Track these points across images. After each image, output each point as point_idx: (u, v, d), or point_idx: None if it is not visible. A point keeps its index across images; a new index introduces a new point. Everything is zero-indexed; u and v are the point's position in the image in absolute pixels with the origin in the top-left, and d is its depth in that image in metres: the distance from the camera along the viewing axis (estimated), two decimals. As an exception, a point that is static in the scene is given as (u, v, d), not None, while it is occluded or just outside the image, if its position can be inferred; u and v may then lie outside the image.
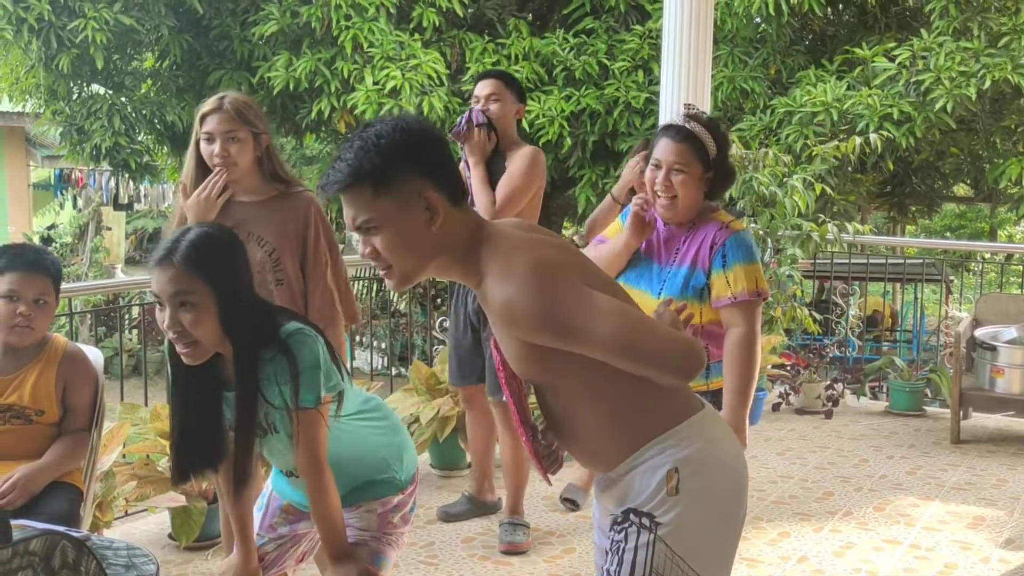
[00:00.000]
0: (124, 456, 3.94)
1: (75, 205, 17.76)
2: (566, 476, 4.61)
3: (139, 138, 9.53)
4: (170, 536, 3.93)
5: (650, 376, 1.77)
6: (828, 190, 6.92)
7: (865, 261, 8.33)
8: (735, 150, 5.66)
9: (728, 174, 2.87)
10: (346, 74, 8.26)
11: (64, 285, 3.11)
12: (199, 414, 2.21)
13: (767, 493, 4.60)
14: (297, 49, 8.51)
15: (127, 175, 10.00)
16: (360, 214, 1.74)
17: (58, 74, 8.77)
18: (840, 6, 9.14)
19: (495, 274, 1.74)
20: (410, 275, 1.79)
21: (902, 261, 9.21)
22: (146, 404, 4.46)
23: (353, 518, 2.31)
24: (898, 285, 11.80)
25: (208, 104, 2.95)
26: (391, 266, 1.77)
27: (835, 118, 7.59)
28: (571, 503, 4.28)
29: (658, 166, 2.80)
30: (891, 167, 8.56)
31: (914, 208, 11.22)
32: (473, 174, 3.77)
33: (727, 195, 5.16)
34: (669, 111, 4.78)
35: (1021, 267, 8.74)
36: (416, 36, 8.48)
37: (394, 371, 8.74)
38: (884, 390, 6.52)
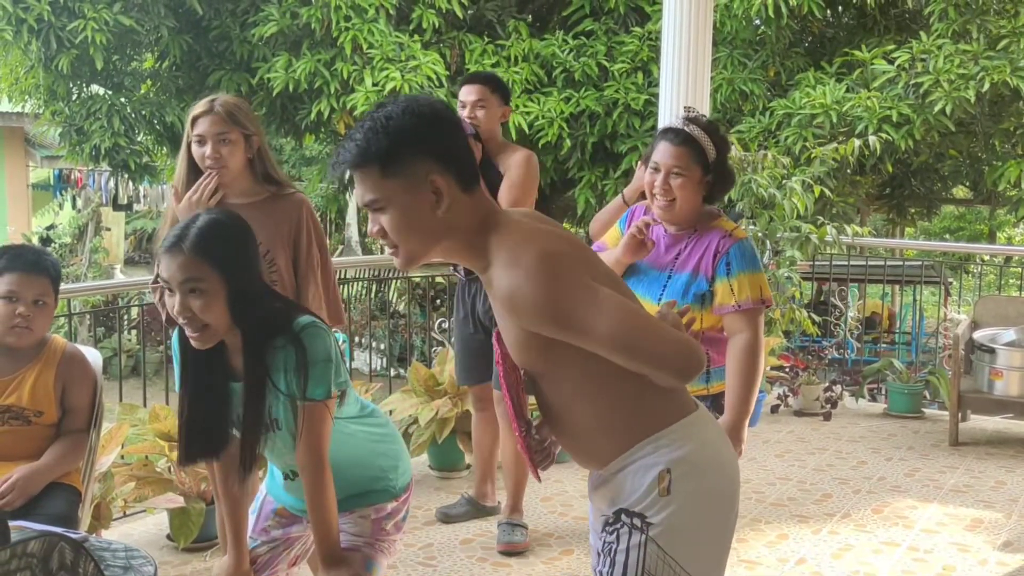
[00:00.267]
0: (122, 457, 3.94)
1: (74, 205, 17.76)
2: (562, 476, 4.61)
3: (138, 139, 9.53)
4: (168, 537, 3.93)
5: (649, 374, 1.78)
6: (827, 192, 6.93)
7: (864, 263, 8.33)
8: (734, 152, 5.67)
9: (727, 177, 2.87)
10: (345, 75, 8.27)
11: (63, 286, 3.11)
12: (206, 402, 2.22)
13: (765, 495, 4.60)
14: (297, 50, 8.51)
15: (126, 176, 9.99)
16: (367, 193, 1.75)
17: (58, 74, 8.77)
18: (839, 8, 9.15)
19: (502, 261, 1.74)
20: (415, 255, 1.80)
21: (901, 263, 9.22)
22: (145, 405, 4.46)
23: (347, 523, 2.31)
24: (897, 287, 11.81)
25: (199, 106, 2.94)
26: (397, 245, 1.79)
27: (834, 120, 7.60)
28: None
29: (657, 169, 2.80)
30: (890, 169, 8.56)
31: (913, 210, 11.22)
32: None
33: (726, 197, 5.16)
34: (668, 113, 4.79)
35: (1020, 269, 8.75)
36: (416, 37, 8.48)
37: (393, 372, 8.74)
38: (883, 392, 6.53)
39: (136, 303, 9.36)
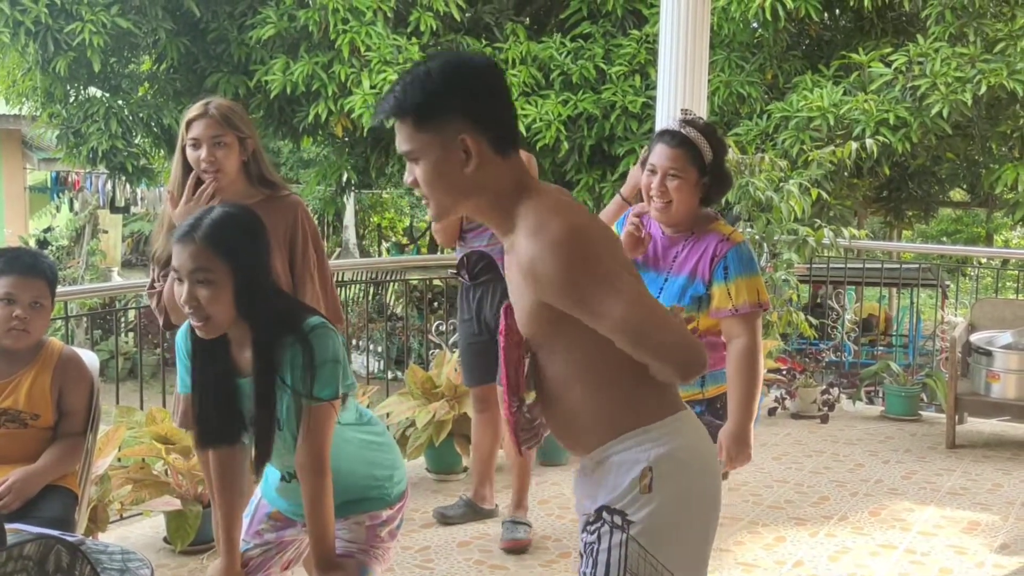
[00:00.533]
0: (119, 460, 3.93)
1: (71, 208, 17.75)
2: (560, 479, 4.61)
3: (136, 141, 9.53)
4: (165, 540, 3.93)
5: (651, 365, 1.78)
6: (824, 195, 6.93)
7: (861, 266, 8.34)
8: (731, 155, 5.67)
9: (724, 179, 2.87)
10: (343, 78, 8.27)
11: (60, 288, 3.11)
12: (214, 396, 2.24)
13: (763, 497, 4.60)
14: (294, 53, 8.52)
15: (124, 178, 10.00)
16: (403, 143, 1.79)
17: (55, 77, 8.77)
18: (837, 11, 9.16)
19: (529, 228, 1.75)
20: (444, 209, 1.82)
21: (898, 266, 9.22)
22: (142, 407, 4.46)
23: (342, 530, 2.31)
24: (894, 290, 11.82)
25: (193, 110, 2.94)
26: (428, 197, 1.82)
27: (831, 123, 7.61)
28: None
29: (653, 171, 2.80)
30: (887, 172, 8.58)
31: (910, 213, 11.24)
32: None
33: (723, 200, 5.16)
34: (665, 116, 4.79)
35: (1017, 272, 8.76)
36: (413, 40, 8.49)
37: (390, 375, 8.73)
38: (880, 395, 6.53)
39: (133, 306, 9.33)
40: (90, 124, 9.02)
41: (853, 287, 10.46)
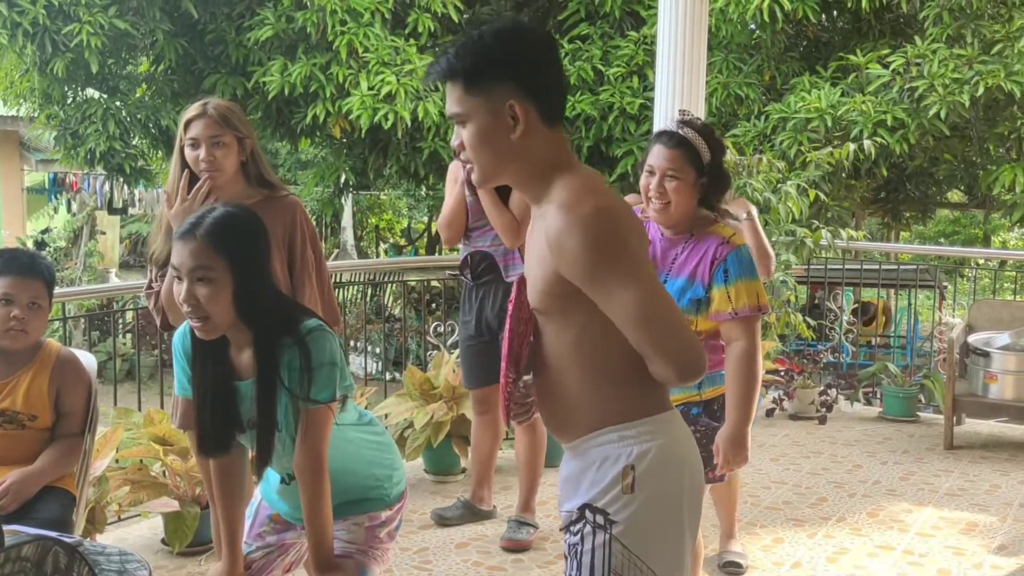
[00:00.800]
0: (117, 461, 3.93)
1: (69, 209, 17.73)
2: (558, 481, 4.60)
3: (134, 142, 9.52)
4: (163, 541, 3.93)
5: (651, 360, 1.77)
6: (822, 196, 6.94)
7: (859, 267, 8.34)
8: (729, 156, 5.67)
9: (722, 180, 2.87)
10: (341, 79, 8.27)
11: (58, 290, 3.11)
12: (215, 396, 2.23)
13: (760, 499, 4.60)
14: (292, 54, 8.51)
15: (121, 179, 9.99)
16: (452, 106, 1.81)
17: (53, 78, 8.76)
18: (834, 13, 9.17)
19: (561, 200, 1.77)
20: (487, 174, 1.84)
21: (896, 267, 9.22)
22: (139, 409, 4.45)
23: (340, 531, 2.31)
24: (892, 291, 11.83)
25: (192, 110, 2.94)
26: (472, 160, 1.83)
27: (829, 124, 7.61)
28: (734, 566, 3.80)
29: (652, 172, 2.81)
30: (885, 173, 8.58)
31: (908, 214, 11.24)
32: (483, 196, 3.75)
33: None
34: (663, 117, 4.79)
35: (1014, 273, 8.77)
36: (411, 41, 8.49)
37: (388, 376, 8.73)
38: (878, 396, 6.53)
39: (131, 307, 9.33)
40: (88, 125, 9.02)
41: (851, 288, 10.46)
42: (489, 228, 3.87)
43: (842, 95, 7.84)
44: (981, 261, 9.59)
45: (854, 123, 7.59)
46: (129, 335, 11.98)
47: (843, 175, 7.93)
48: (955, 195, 13.66)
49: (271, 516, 2.45)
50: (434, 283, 10.38)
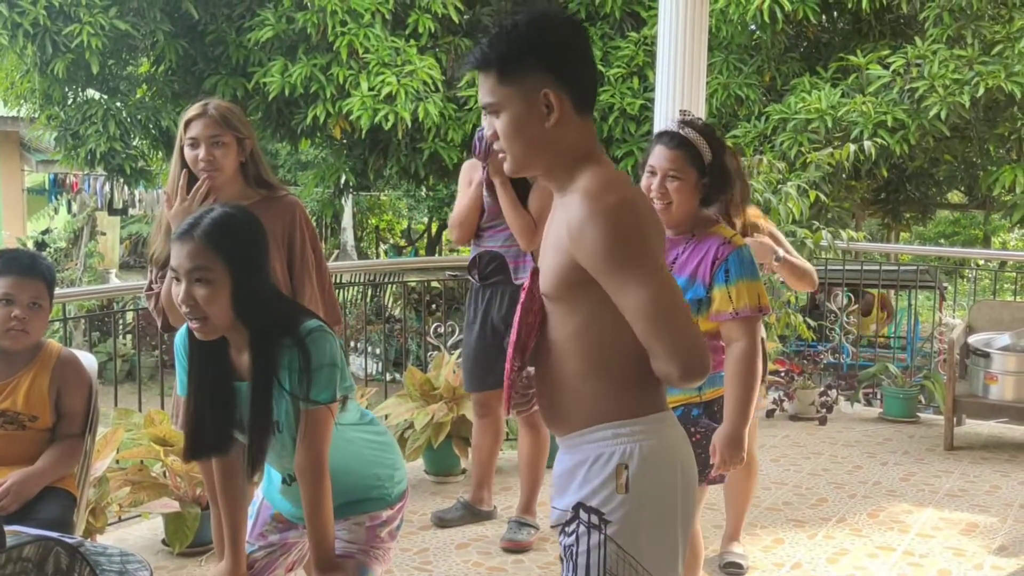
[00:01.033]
0: (118, 462, 3.93)
1: (69, 210, 17.73)
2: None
3: (134, 143, 9.53)
4: (163, 542, 3.93)
5: (656, 355, 1.77)
6: (822, 197, 6.94)
7: (859, 268, 8.34)
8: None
9: (724, 180, 2.87)
10: (341, 80, 8.27)
11: (58, 290, 3.11)
12: (211, 400, 2.23)
13: (761, 499, 4.60)
14: (293, 55, 8.52)
15: (122, 180, 10.00)
16: (485, 96, 1.82)
17: (53, 79, 8.77)
18: (835, 14, 9.17)
19: (587, 189, 1.78)
20: (521, 163, 1.84)
21: (896, 268, 9.22)
22: (140, 409, 4.45)
23: (342, 531, 2.31)
24: (892, 292, 11.83)
25: (192, 110, 2.95)
26: (506, 150, 1.83)
27: (829, 125, 7.62)
28: (735, 567, 3.79)
29: (653, 173, 2.81)
30: (885, 174, 8.59)
31: (908, 215, 11.24)
32: (503, 196, 3.73)
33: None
34: (664, 117, 4.79)
35: (1015, 274, 8.77)
36: (412, 42, 8.50)
37: (388, 377, 8.73)
38: (878, 396, 6.53)
39: (131, 308, 9.34)
40: (88, 126, 9.02)
41: (851, 291, 10.45)
42: (502, 228, 3.85)
43: (842, 96, 7.84)
44: (981, 262, 9.60)
45: (854, 124, 7.60)
46: (129, 336, 11.98)
47: (843, 176, 7.93)
48: (955, 196, 13.66)
49: (273, 515, 2.45)
50: (434, 284, 10.38)
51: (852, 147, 6.72)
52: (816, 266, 6.86)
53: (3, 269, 2.88)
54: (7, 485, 2.73)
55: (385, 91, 8.03)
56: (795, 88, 8.20)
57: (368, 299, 13.15)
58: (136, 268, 18.65)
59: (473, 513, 4.21)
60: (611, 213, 1.73)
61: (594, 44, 8.62)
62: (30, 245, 15.19)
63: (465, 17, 8.82)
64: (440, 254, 17.51)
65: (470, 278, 4.05)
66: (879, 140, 7.45)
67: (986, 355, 5.44)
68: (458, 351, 5.09)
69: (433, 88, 8.29)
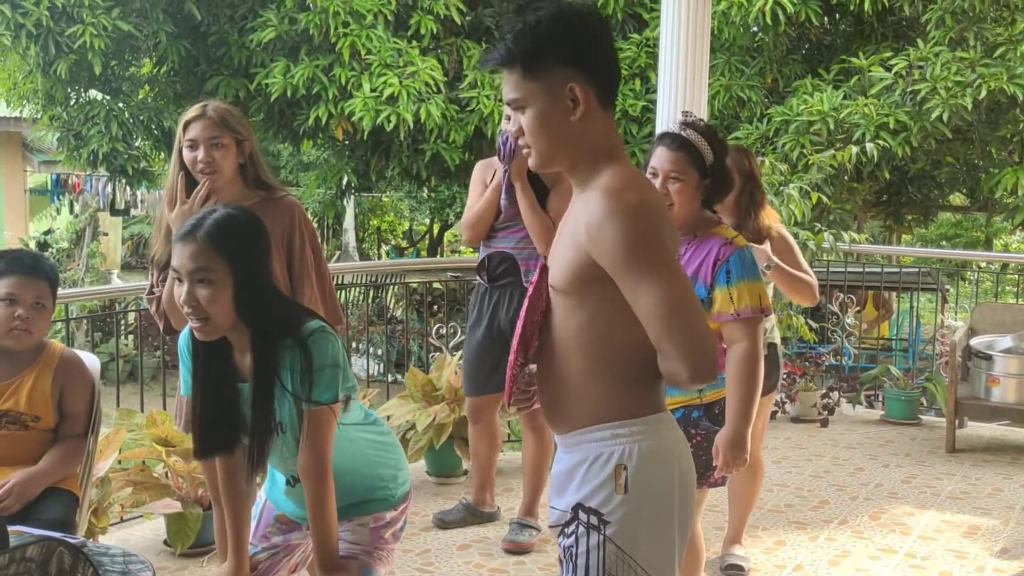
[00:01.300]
0: (120, 462, 3.93)
1: (72, 210, 17.75)
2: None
3: (136, 144, 9.54)
4: (165, 542, 3.93)
5: (666, 355, 1.76)
6: (824, 199, 6.93)
7: (861, 270, 8.34)
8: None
9: (726, 181, 2.87)
10: (344, 81, 8.28)
11: (60, 291, 3.11)
12: (215, 401, 2.24)
13: (763, 502, 4.60)
14: (295, 56, 8.52)
15: (124, 181, 10.01)
16: (510, 92, 1.81)
17: (56, 79, 8.77)
18: (837, 16, 9.17)
19: (608, 187, 1.78)
20: (546, 158, 1.84)
21: (898, 270, 9.21)
22: (142, 410, 4.46)
23: (345, 532, 2.31)
24: (894, 294, 11.83)
25: (191, 111, 2.95)
26: (531, 146, 1.83)
27: (831, 127, 7.62)
28: (736, 568, 3.79)
29: (655, 174, 2.81)
30: (887, 176, 8.59)
31: (910, 217, 11.23)
32: (522, 199, 3.71)
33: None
34: (666, 119, 4.79)
35: (1016, 276, 8.77)
36: (414, 43, 8.50)
37: (390, 378, 8.73)
38: (880, 399, 6.53)
39: (133, 308, 9.35)
40: (90, 127, 9.03)
41: (853, 291, 10.45)
42: (516, 230, 3.82)
43: (844, 98, 7.84)
44: (983, 264, 9.60)
45: (856, 126, 7.59)
46: (131, 336, 11.98)
47: (845, 178, 7.92)
48: (957, 198, 13.64)
49: (277, 517, 2.46)
50: (436, 285, 10.38)
51: (854, 149, 6.72)
52: (818, 268, 6.89)
53: (6, 269, 2.88)
54: (10, 485, 2.74)
55: (387, 92, 8.04)
56: (797, 90, 8.20)
57: (370, 300, 13.16)
58: (138, 269, 18.67)
59: (475, 514, 4.21)
60: (631, 212, 1.73)
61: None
62: (32, 245, 15.20)
63: (467, 18, 8.82)
64: (442, 255, 17.53)
65: (478, 279, 4.02)
66: (881, 142, 7.44)
67: (988, 357, 5.43)
68: (460, 352, 5.09)
69: (435, 89, 8.30)
